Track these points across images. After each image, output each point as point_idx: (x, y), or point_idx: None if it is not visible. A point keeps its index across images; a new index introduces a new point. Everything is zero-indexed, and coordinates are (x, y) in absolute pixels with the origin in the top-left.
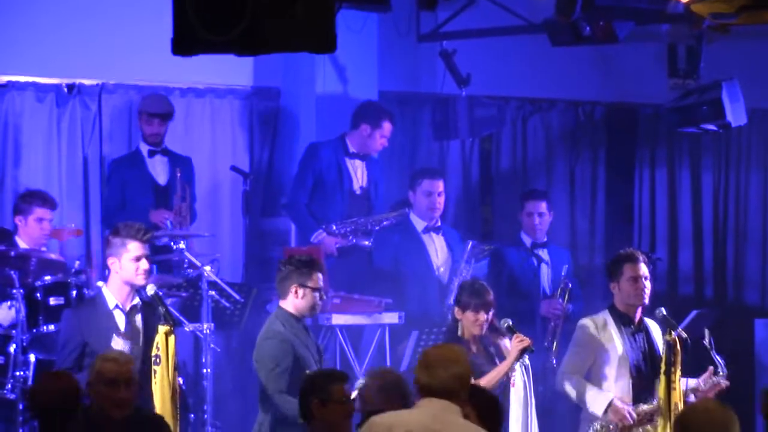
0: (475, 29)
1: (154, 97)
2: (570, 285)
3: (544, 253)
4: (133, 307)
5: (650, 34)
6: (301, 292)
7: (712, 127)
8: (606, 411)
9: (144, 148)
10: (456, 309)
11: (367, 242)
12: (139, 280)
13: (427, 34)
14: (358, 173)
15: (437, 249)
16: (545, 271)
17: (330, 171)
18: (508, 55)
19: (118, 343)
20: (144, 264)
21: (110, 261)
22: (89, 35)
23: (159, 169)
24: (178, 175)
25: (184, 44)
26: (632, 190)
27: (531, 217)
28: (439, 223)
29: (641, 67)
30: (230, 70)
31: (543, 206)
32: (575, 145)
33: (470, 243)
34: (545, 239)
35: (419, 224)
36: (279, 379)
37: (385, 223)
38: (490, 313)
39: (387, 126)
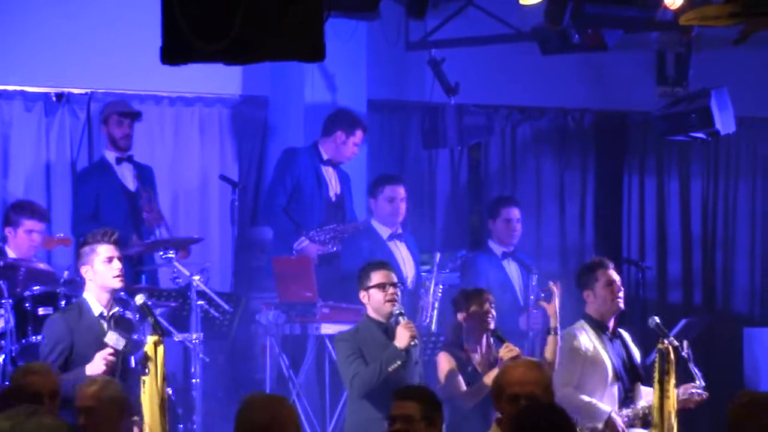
0: (464, 38)
1: (115, 101)
2: (543, 295)
3: (512, 263)
4: (112, 316)
5: (639, 42)
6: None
7: (700, 135)
8: (605, 424)
9: (111, 156)
10: (459, 315)
11: None
12: (115, 283)
13: (416, 42)
14: (333, 181)
15: (403, 257)
16: (517, 279)
17: (308, 177)
18: (497, 64)
19: (112, 337)
20: (116, 264)
21: (83, 270)
22: (78, 44)
23: (127, 176)
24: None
25: (173, 53)
26: (621, 197)
27: (509, 224)
28: (400, 230)
29: (630, 74)
30: (219, 79)
31: (518, 213)
32: (564, 153)
33: (438, 254)
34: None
35: (383, 231)
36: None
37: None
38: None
39: (359, 134)
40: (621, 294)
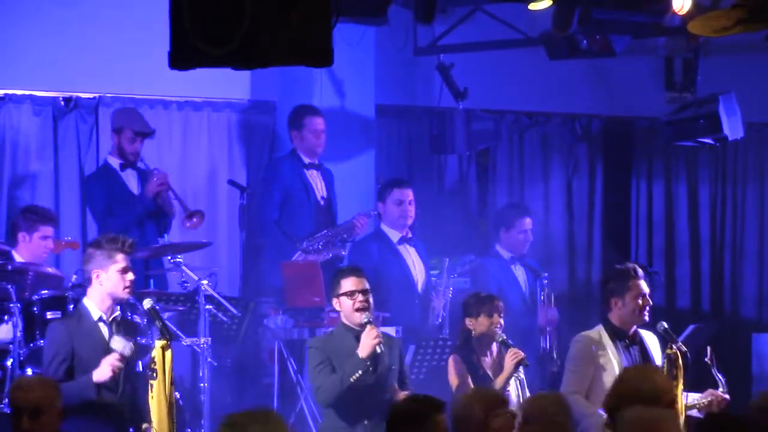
0: (472, 43)
1: (132, 113)
2: (553, 294)
3: (519, 267)
4: (114, 320)
5: (647, 47)
6: None
7: (708, 140)
8: None
9: (114, 162)
10: (468, 320)
11: (343, 252)
12: (125, 294)
13: (424, 47)
14: (318, 184)
15: (413, 260)
16: (524, 283)
17: (294, 184)
18: (505, 69)
19: (119, 343)
20: (130, 276)
21: (94, 273)
22: (86, 49)
23: (131, 181)
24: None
25: (181, 58)
26: (629, 203)
27: (526, 234)
28: (410, 235)
29: (638, 80)
30: (227, 84)
31: (530, 222)
32: (572, 158)
33: (447, 260)
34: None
35: (393, 235)
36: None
37: (359, 232)
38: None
39: (311, 121)
40: (648, 308)
